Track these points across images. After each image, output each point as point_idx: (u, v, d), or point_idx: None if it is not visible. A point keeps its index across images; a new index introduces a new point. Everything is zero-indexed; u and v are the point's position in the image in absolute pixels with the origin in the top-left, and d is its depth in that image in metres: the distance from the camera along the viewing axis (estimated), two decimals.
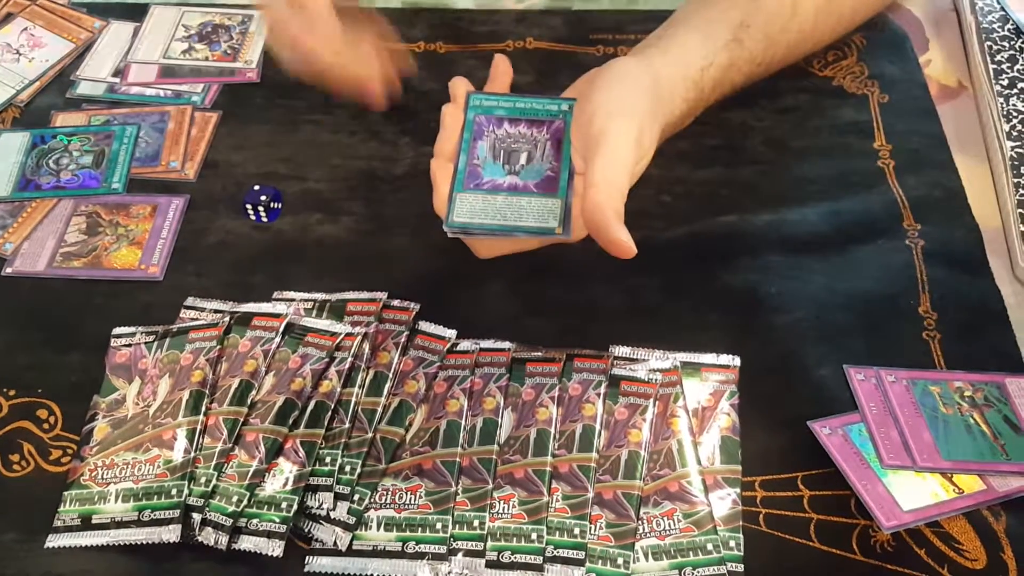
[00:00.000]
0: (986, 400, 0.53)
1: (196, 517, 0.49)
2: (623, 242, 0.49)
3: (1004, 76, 0.67)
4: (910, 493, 0.49)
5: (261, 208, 0.62)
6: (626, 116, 0.52)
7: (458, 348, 0.55)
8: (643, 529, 0.48)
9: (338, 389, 0.52)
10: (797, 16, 0.62)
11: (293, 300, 0.58)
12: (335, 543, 0.48)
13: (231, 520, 0.48)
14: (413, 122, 0.67)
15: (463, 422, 0.52)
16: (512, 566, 0.47)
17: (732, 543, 0.48)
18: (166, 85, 0.70)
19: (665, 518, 0.49)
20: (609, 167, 0.50)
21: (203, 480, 0.50)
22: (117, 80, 0.71)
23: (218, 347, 0.55)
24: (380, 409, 0.52)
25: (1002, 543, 0.49)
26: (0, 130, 0.67)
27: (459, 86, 0.57)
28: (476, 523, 0.49)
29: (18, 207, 0.63)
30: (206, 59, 0.72)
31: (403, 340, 0.55)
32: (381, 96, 0.63)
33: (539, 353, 0.54)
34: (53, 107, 0.69)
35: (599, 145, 0.50)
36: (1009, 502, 0.50)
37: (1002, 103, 0.66)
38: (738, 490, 0.50)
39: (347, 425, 0.51)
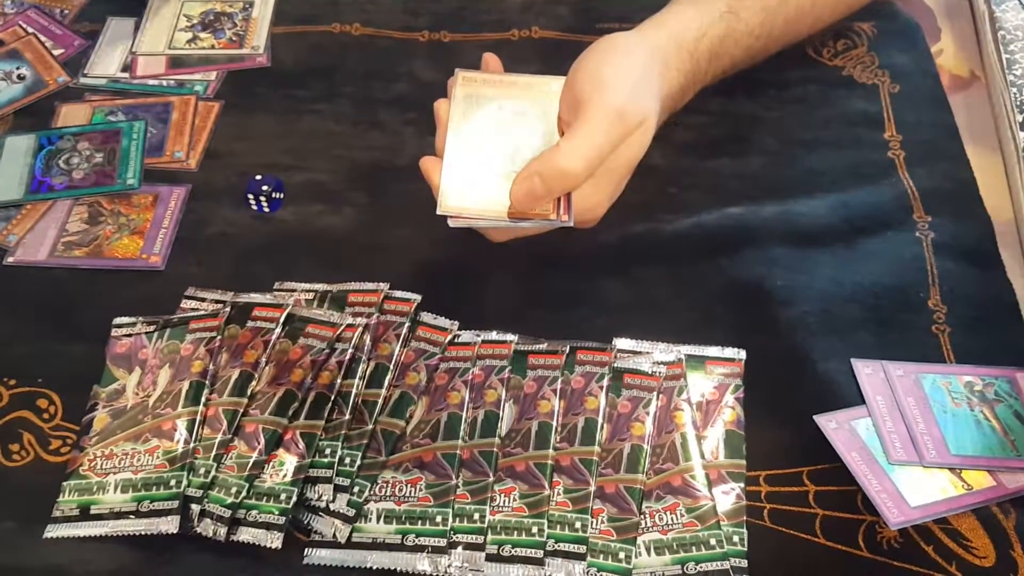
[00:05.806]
0: (996, 395, 0.52)
1: (195, 508, 0.48)
2: (518, 199, 0.52)
3: (1017, 66, 0.66)
4: (918, 489, 0.48)
5: (263, 198, 0.62)
6: (610, 89, 0.53)
7: (460, 340, 0.54)
8: (645, 523, 0.48)
9: (338, 380, 0.52)
10: None
11: (294, 291, 0.57)
12: (334, 535, 0.48)
13: (230, 511, 0.48)
14: (416, 113, 0.67)
15: (464, 414, 0.51)
16: (512, 560, 0.47)
17: (736, 538, 0.47)
18: (178, 76, 0.70)
19: (668, 512, 0.48)
20: (578, 140, 0.51)
21: (202, 471, 0.49)
22: (127, 75, 0.70)
23: (218, 337, 0.54)
24: (381, 401, 0.52)
25: (1012, 540, 0.48)
26: (6, 133, 0.67)
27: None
28: (476, 516, 0.48)
29: None
30: (212, 47, 0.71)
31: (404, 331, 0.54)
32: None
33: (542, 345, 0.54)
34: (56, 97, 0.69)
35: (577, 116, 0.52)
36: (1019, 499, 0.49)
37: (1015, 93, 0.65)
38: (742, 485, 0.49)
39: (347, 417, 0.51)
